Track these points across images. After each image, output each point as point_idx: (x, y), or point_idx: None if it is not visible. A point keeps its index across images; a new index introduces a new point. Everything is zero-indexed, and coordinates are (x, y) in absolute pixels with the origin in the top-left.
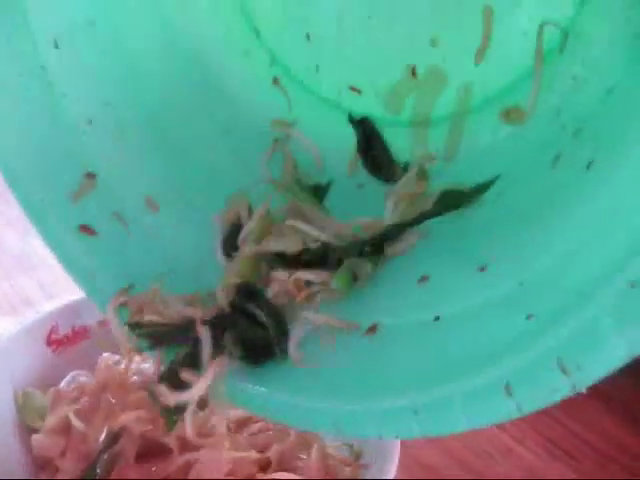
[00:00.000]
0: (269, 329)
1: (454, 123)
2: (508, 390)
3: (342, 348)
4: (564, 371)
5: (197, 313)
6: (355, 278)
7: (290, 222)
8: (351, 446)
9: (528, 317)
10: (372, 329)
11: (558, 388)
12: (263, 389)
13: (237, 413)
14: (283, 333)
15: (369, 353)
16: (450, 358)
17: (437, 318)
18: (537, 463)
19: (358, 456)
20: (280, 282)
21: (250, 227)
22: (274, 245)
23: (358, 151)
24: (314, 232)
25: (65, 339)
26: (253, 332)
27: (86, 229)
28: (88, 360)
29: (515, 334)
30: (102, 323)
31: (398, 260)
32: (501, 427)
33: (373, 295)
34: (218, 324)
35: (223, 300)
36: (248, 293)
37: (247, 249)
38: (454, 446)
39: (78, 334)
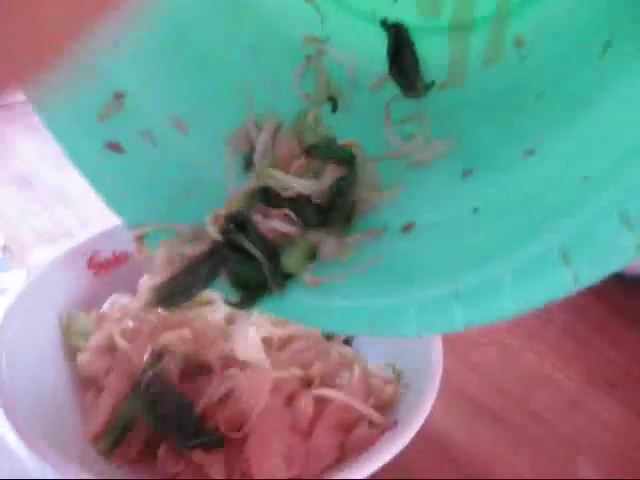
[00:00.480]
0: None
1: (495, 26)
2: (566, 261)
3: (376, 247)
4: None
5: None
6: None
7: (269, 171)
8: (393, 366)
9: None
10: (408, 227)
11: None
12: (297, 294)
13: (279, 332)
14: (276, 266)
15: (404, 250)
16: (486, 246)
17: (476, 210)
18: (577, 391)
19: (399, 376)
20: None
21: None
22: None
23: (388, 56)
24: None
25: (106, 263)
26: (246, 269)
27: (114, 146)
28: (129, 284)
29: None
30: None
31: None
32: (541, 355)
33: (408, 196)
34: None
35: (212, 230)
36: (238, 224)
37: (248, 183)
38: (494, 373)
39: (119, 259)
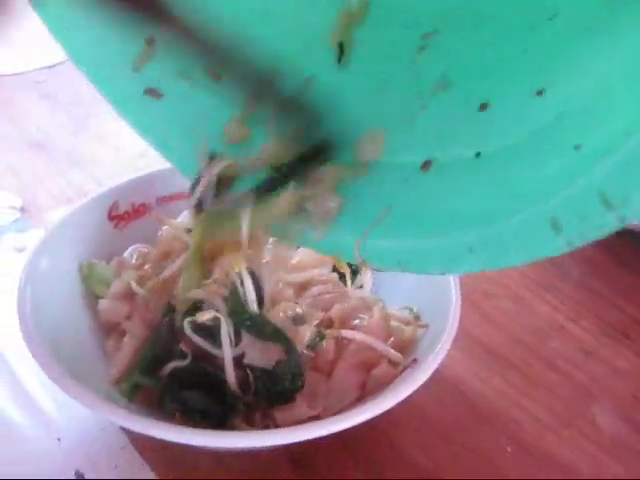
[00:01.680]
0: None
1: None
2: (556, 225)
3: (400, 187)
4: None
5: None
6: None
7: None
8: (411, 309)
9: (576, 148)
10: (426, 164)
11: (604, 223)
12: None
13: (298, 277)
14: None
15: (426, 190)
16: (504, 192)
17: (478, 154)
18: (590, 341)
19: (417, 317)
20: None
21: None
22: None
23: None
24: None
25: (126, 215)
26: None
27: (152, 92)
28: (148, 235)
29: (564, 167)
30: (160, 200)
31: (448, 96)
32: (555, 307)
33: (426, 131)
34: None
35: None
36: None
37: None
38: (508, 324)
39: (138, 211)
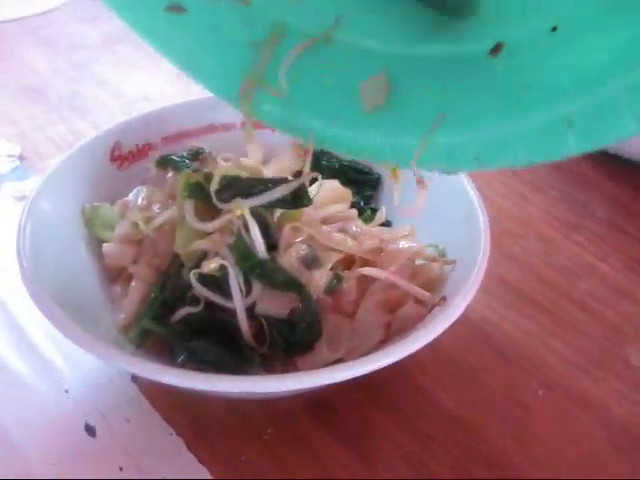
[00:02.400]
0: None
1: None
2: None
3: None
4: None
5: None
6: None
7: None
8: (436, 246)
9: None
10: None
11: None
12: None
13: (316, 214)
14: None
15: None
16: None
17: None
18: (620, 280)
19: (443, 255)
20: None
21: None
22: None
23: None
24: None
25: (129, 156)
26: None
27: (174, 8)
28: (153, 177)
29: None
30: (166, 140)
31: None
32: (583, 246)
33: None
34: None
35: None
36: None
37: None
38: (535, 264)
39: (142, 151)
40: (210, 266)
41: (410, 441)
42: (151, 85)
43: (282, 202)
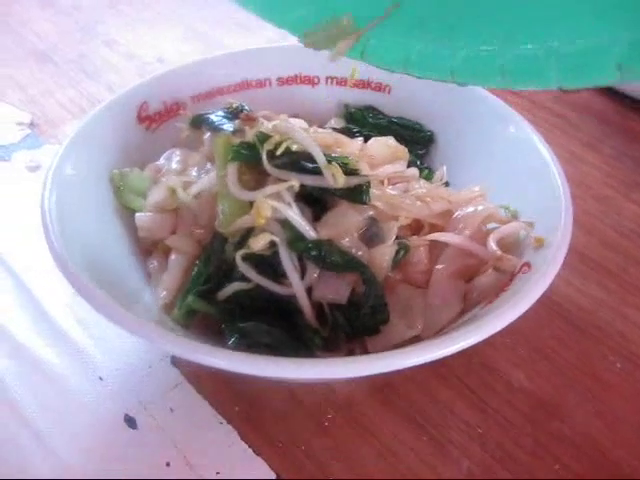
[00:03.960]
0: None
1: None
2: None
3: None
4: None
5: None
6: None
7: None
8: (507, 207)
9: None
10: None
11: None
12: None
13: (373, 175)
14: None
15: None
16: None
17: None
18: None
19: (515, 216)
20: None
21: None
22: None
23: None
24: None
25: (157, 116)
26: None
27: None
28: (185, 139)
29: None
30: (196, 98)
31: None
32: None
33: None
34: None
35: None
36: None
37: None
38: (597, 226)
39: (171, 110)
40: (259, 243)
41: (483, 422)
42: (164, 44)
43: (337, 190)
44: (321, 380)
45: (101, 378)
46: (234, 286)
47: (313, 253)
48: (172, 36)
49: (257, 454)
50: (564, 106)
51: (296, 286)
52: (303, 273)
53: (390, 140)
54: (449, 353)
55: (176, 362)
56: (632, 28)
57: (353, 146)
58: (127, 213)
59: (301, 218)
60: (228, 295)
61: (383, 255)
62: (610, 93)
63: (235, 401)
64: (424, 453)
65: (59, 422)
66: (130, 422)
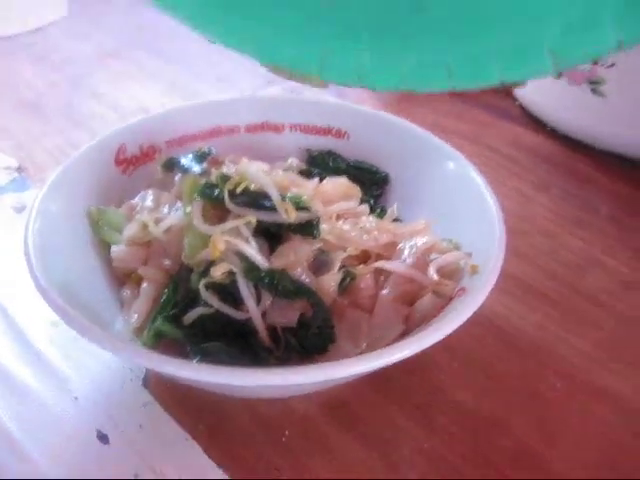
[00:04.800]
0: None
1: None
2: None
3: None
4: None
5: None
6: None
7: None
8: (450, 240)
9: None
10: None
11: None
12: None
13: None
14: None
15: None
16: None
17: None
18: (629, 273)
19: (457, 248)
20: None
21: None
22: None
23: None
24: None
25: (134, 159)
26: None
27: None
28: (158, 181)
29: None
30: (170, 142)
31: None
32: (589, 241)
33: None
34: None
35: None
36: None
37: None
38: (543, 260)
39: (147, 154)
40: (218, 272)
41: (430, 438)
42: (148, 97)
43: (290, 225)
44: (268, 388)
45: (76, 398)
46: (198, 311)
47: (266, 281)
48: (155, 89)
49: (219, 467)
50: (517, 151)
51: (252, 311)
52: (259, 299)
53: (343, 180)
54: (385, 364)
55: (146, 383)
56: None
57: (308, 186)
58: (103, 247)
59: (256, 250)
60: (193, 319)
61: (329, 282)
62: (559, 137)
63: (199, 419)
64: (375, 467)
65: (35, 441)
66: (102, 438)
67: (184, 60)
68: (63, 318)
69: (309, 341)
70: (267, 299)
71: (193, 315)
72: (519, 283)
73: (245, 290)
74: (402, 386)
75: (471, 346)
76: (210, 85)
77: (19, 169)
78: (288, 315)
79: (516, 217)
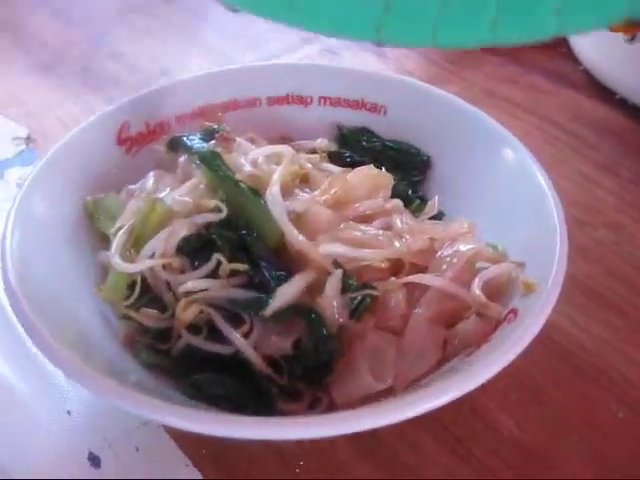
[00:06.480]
0: None
1: None
2: None
3: None
4: None
5: None
6: None
7: None
8: (494, 247)
9: None
10: None
11: None
12: None
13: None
14: None
15: None
16: None
17: None
18: None
19: (504, 256)
20: None
21: None
22: None
23: None
24: None
25: (139, 137)
26: None
27: None
28: (164, 161)
29: None
30: (181, 118)
31: None
32: None
33: None
34: None
35: None
36: None
37: None
38: (606, 257)
39: (154, 132)
40: (189, 317)
41: (463, 468)
42: (169, 58)
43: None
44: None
45: (69, 412)
46: (183, 340)
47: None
48: (179, 49)
49: None
50: (580, 125)
51: (241, 346)
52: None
53: (370, 169)
54: (420, 412)
55: None
56: None
57: (322, 184)
58: (101, 242)
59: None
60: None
61: (325, 303)
62: (629, 108)
63: (202, 443)
64: None
65: (21, 458)
66: (94, 460)
67: (213, 17)
68: (34, 342)
69: (312, 365)
70: (258, 328)
71: (180, 345)
72: (581, 287)
73: (225, 328)
74: (437, 411)
75: (520, 363)
76: (239, 45)
77: (28, 139)
78: (280, 342)
79: (577, 205)
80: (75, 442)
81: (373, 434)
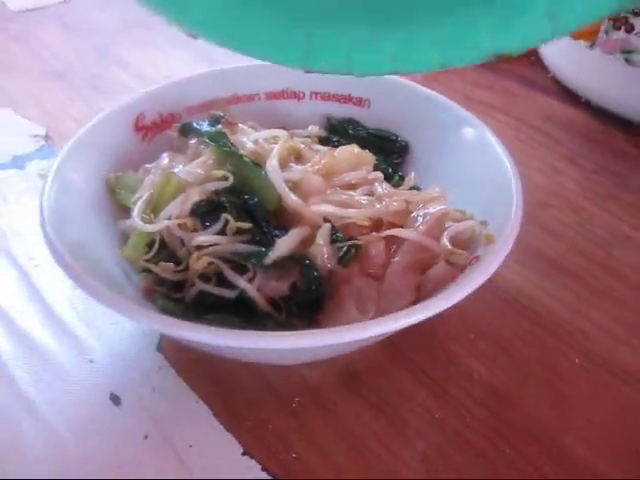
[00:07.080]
0: None
1: None
2: None
3: None
4: None
5: None
6: None
7: None
8: (463, 211)
9: None
10: None
11: None
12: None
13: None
14: None
15: None
16: None
17: None
18: None
19: (472, 217)
20: None
21: None
22: None
23: None
24: None
25: (153, 126)
26: None
27: None
28: (176, 145)
29: None
30: (190, 109)
31: None
32: (618, 216)
33: None
34: None
35: None
36: None
37: None
38: (569, 235)
39: (166, 121)
40: (200, 267)
41: (442, 408)
42: (172, 66)
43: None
44: (279, 351)
45: (91, 361)
46: (196, 288)
47: (253, 261)
48: (179, 58)
49: (228, 431)
50: (550, 125)
51: (247, 289)
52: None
53: (354, 148)
54: (391, 329)
55: (160, 348)
56: None
57: (313, 158)
58: (121, 212)
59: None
60: (194, 296)
61: (315, 252)
62: (593, 110)
63: (211, 383)
64: (382, 434)
65: (50, 401)
66: (115, 400)
67: None
68: (75, 281)
69: (305, 303)
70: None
71: (192, 293)
72: (546, 259)
73: (232, 276)
74: (416, 356)
75: (490, 320)
76: (237, 55)
77: (46, 137)
78: (279, 286)
79: (546, 191)
80: (98, 385)
81: (360, 378)
